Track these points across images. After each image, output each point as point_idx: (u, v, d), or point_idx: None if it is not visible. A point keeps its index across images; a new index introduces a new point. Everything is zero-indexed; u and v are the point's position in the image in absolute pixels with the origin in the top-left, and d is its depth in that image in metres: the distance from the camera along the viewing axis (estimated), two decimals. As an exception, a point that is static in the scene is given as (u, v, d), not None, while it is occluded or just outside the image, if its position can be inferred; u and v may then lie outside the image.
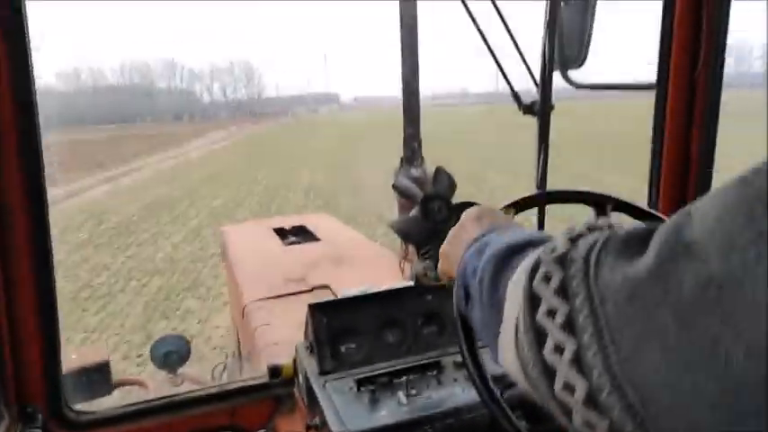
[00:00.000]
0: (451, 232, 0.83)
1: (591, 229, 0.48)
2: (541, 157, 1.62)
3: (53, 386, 1.27)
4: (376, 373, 1.23)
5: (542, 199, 1.22)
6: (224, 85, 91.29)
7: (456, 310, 0.81)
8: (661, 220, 1.03)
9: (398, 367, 1.25)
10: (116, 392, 2.05)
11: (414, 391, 1.17)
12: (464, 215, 0.83)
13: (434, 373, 1.24)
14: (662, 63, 1.57)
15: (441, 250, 0.85)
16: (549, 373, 0.43)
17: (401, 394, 1.15)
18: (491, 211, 0.80)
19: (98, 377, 1.75)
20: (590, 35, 1.66)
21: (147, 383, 2.62)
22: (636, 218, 1.08)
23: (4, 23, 1.06)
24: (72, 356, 1.78)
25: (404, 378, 1.19)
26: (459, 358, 1.28)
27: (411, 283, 1.47)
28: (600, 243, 0.43)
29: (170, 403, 1.43)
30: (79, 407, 1.37)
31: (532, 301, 0.46)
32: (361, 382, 1.19)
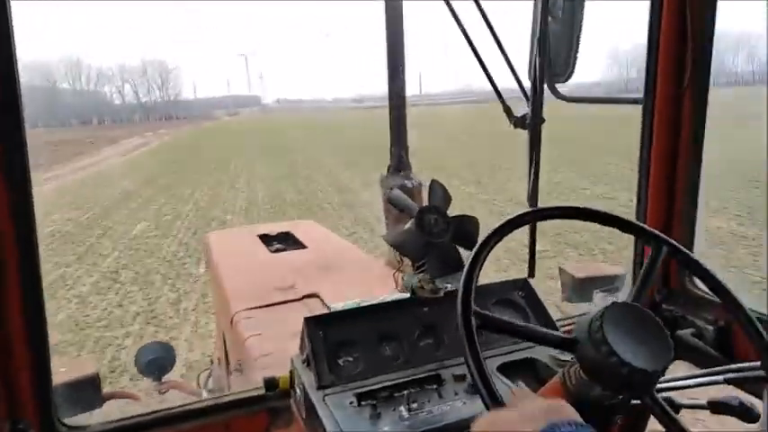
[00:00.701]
0: (513, 412, 0.77)
1: None
2: (532, 170, 1.65)
3: (44, 400, 1.26)
4: (377, 387, 1.23)
5: (531, 218, 1.23)
6: (136, 87, 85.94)
7: (463, 285, 0.84)
8: (645, 233, 1.07)
9: (398, 381, 1.25)
10: (106, 405, 2.02)
11: (415, 405, 1.17)
12: (521, 397, 0.81)
13: (434, 386, 1.24)
14: (648, 77, 1.62)
15: (494, 415, 0.81)
16: None
17: (402, 408, 1.16)
18: (557, 411, 0.74)
19: (88, 390, 1.73)
20: (577, 49, 1.70)
21: (138, 396, 2.59)
22: (626, 232, 1.11)
23: None
24: (61, 370, 1.76)
25: (404, 392, 1.20)
26: (458, 371, 1.29)
27: (406, 295, 1.49)
28: None
29: (164, 417, 1.42)
30: (70, 421, 1.35)
31: None
32: (361, 396, 1.20)
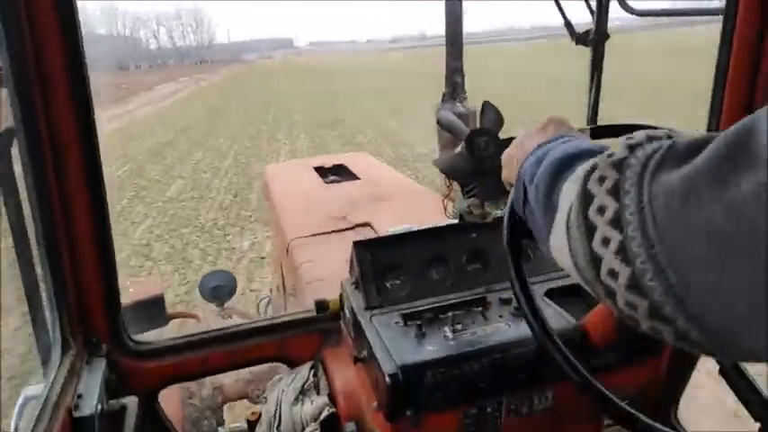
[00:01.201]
0: (517, 139, 0.84)
1: (651, 138, 0.50)
2: (593, 89, 1.55)
3: (114, 318, 1.34)
4: (421, 308, 1.24)
5: (624, 130, 1.16)
6: (171, 31, 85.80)
7: (507, 211, 0.84)
8: None
9: (444, 303, 1.26)
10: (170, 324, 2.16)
11: (459, 327, 1.18)
12: (531, 128, 0.83)
13: (480, 309, 1.24)
14: None
15: (503, 156, 0.87)
16: (596, 262, 0.49)
17: (447, 329, 1.17)
18: (558, 122, 0.80)
19: (153, 310, 1.84)
20: None
21: (199, 316, 2.75)
22: None
23: None
24: (129, 290, 1.88)
25: (449, 314, 1.20)
26: (504, 295, 1.28)
27: (455, 221, 1.46)
28: (661, 151, 0.46)
29: (223, 335, 1.49)
30: (137, 337, 1.45)
31: (585, 198, 0.51)
32: (406, 317, 1.21)
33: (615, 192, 0.47)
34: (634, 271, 0.44)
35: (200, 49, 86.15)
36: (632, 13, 1.64)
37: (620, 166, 0.48)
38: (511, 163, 0.82)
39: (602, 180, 0.49)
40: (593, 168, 0.51)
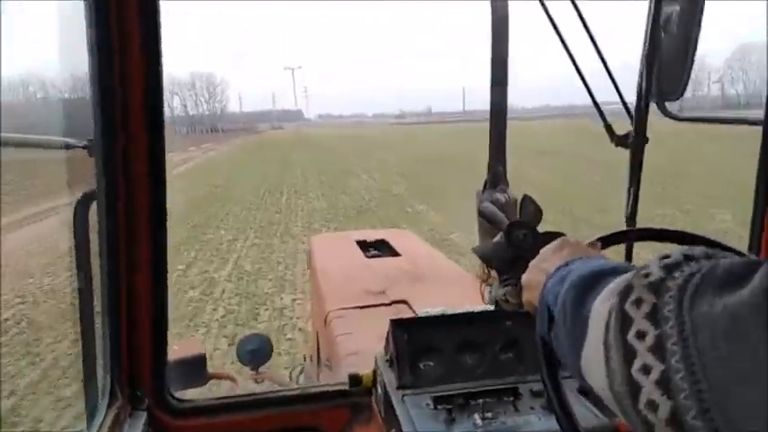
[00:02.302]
0: (533, 263, 0.85)
1: (688, 258, 0.49)
2: (632, 191, 1.59)
3: (159, 375, 1.41)
4: (453, 392, 1.26)
5: (632, 236, 1.21)
6: (184, 99, 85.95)
7: (538, 335, 0.85)
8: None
9: (476, 389, 1.27)
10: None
11: (489, 415, 1.19)
12: (545, 247, 0.85)
13: (511, 398, 1.25)
14: None
15: (523, 280, 0.88)
16: (635, 389, 0.46)
17: (477, 416, 1.18)
18: (573, 243, 0.82)
19: (195, 368, 1.91)
20: (691, 65, 1.62)
21: (237, 379, 2.80)
22: None
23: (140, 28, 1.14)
24: (174, 347, 1.96)
25: (480, 401, 1.22)
26: (537, 387, 1.29)
27: (491, 308, 1.50)
28: (699, 275, 0.45)
29: (258, 400, 1.54)
30: (179, 394, 1.51)
31: (623, 321, 0.49)
32: (437, 400, 1.23)
33: (654, 317, 0.46)
34: (676, 405, 0.42)
35: (213, 117, 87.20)
36: (673, 118, 1.71)
37: (657, 288, 0.47)
38: (531, 286, 0.82)
39: (639, 303, 0.48)
40: (629, 289, 0.50)
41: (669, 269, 0.48)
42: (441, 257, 3.27)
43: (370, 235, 3.58)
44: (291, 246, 9.72)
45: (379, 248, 3.35)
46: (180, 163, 26.81)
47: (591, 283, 0.60)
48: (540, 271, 0.79)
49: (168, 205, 1.30)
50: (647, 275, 0.49)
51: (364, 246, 3.35)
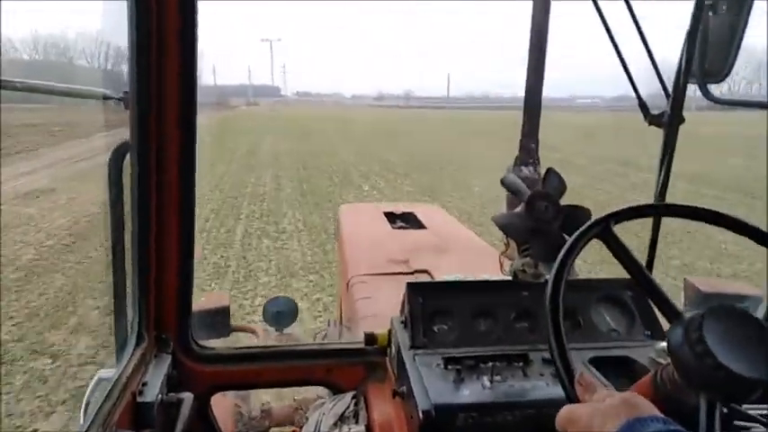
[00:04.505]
0: (578, 411, 0.76)
1: None
2: (663, 169, 1.57)
3: (184, 321, 1.49)
4: (464, 355, 1.29)
5: (658, 212, 1.20)
6: None
7: (555, 272, 0.85)
8: None
9: (486, 354, 1.30)
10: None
11: (498, 378, 1.21)
12: (608, 400, 0.74)
13: (521, 364, 1.27)
14: None
15: (569, 412, 0.79)
16: None
17: (485, 378, 1.21)
18: (631, 402, 0.73)
19: (219, 320, 1.99)
20: (738, 47, 1.57)
21: (259, 332, 2.89)
22: (754, 239, 1.04)
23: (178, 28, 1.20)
24: (201, 299, 2.04)
25: (490, 364, 1.24)
26: (548, 355, 1.30)
27: (509, 278, 1.51)
28: None
29: (278, 353, 1.61)
30: (202, 342, 1.59)
31: None
32: (448, 361, 1.26)
33: None
34: None
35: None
36: (714, 101, 1.66)
37: None
38: (573, 424, 0.75)
39: None
40: None
41: None
42: (467, 232, 3.28)
43: (399, 208, 3.61)
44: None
45: (407, 221, 3.38)
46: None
47: None
48: (587, 427, 0.71)
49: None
50: None
51: (392, 217, 3.38)
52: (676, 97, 1.57)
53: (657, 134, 1.62)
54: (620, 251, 0.96)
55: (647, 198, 1.67)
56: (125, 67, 1.26)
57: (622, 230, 0.99)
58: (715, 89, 1.63)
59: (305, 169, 15.45)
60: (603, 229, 0.98)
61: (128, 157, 1.31)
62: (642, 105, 1.60)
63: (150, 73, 1.23)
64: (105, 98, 1.33)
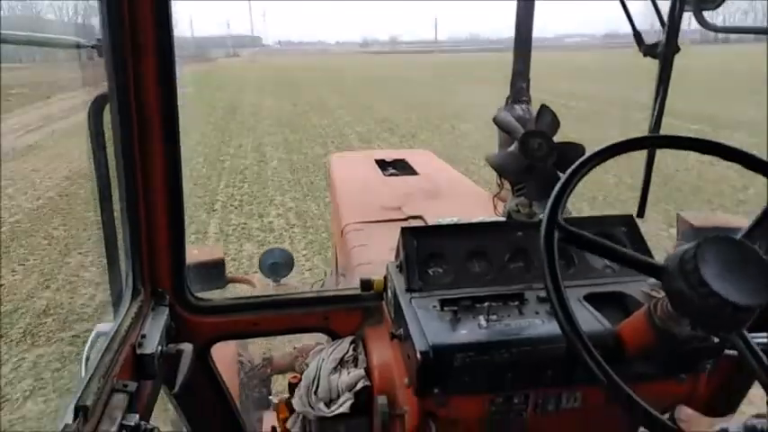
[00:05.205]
0: None
1: None
2: (659, 100, 1.54)
3: (179, 274, 1.48)
4: (460, 296, 1.30)
5: (653, 143, 1.18)
6: None
7: (549, 209, 0.84)
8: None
9: (482, 294, 1.31)
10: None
11: (494, 317, 1.22)
12: None
13: (516, 303, 1.28)
14: None
15: None
16: None
17: (482, 318, 1.22)
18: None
19: (214, 271, 1.99)
20: None
21: (255, 283, 2.91)
22: (754, 170, 1.04)
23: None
24: (194, 252, 2.03)
25: (486, 304, 1.25)
26: (543, 294, 1.31)
27: (503, 219, 1.51)
28: None
29: (274, 301, 1.61)
30: (198, 295, 1.59)
31: None
32: (444, 302, 1.27)
33: None
34: None
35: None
36: (709, 28, 1.62)
37: None
38: None
39: None
40: None
41: None
42: (459, 176, 3.26)
43: (390, 154, 3.57)
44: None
45: (398, 167, 3.35)
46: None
47: None
48: None
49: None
50: None
51: (383, 165, 3.34)
52: (672, 26, 1.53)
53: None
54: None
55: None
56: (96, 20, 1.20)
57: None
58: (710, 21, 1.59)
59: (293, 133, 13.39)
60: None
61: (107, 108, 1.26)
62: (636, 35, 1.55)
63: (123, 17, 1.17)
64: (79, 47, 1.27)
